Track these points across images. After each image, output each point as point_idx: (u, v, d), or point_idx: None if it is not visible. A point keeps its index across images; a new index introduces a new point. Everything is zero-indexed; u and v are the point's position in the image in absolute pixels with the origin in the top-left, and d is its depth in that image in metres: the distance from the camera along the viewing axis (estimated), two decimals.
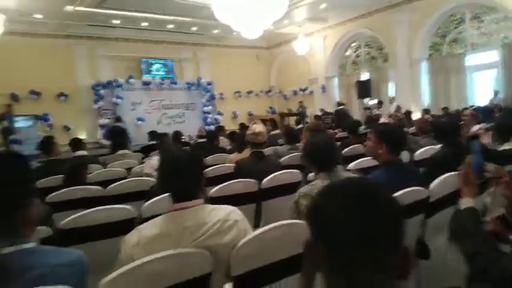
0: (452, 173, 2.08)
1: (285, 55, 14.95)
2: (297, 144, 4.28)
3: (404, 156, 3.31)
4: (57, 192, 2.79)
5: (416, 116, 8.82)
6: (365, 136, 4.78)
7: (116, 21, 11.01)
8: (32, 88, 10.79)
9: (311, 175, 2.33)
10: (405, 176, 1.99)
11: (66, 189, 2.83)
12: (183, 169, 1.42)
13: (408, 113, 8.45)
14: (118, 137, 6.01)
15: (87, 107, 11.70)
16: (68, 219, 1.99)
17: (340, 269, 0.67)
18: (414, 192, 1.87)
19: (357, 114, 12.39)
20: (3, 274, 1.00)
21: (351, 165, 3.10)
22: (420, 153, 3.58)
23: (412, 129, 5.32)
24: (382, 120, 5.96)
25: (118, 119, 11.32)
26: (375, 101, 11.78)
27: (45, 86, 10.92)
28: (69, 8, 9.52)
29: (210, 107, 13.43)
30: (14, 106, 10.19)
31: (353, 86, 12.95)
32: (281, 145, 4.63)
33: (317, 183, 1.88)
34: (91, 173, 3.66)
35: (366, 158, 3.25)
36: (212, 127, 12.68)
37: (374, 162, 3.09)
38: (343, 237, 0.65)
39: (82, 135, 10.50)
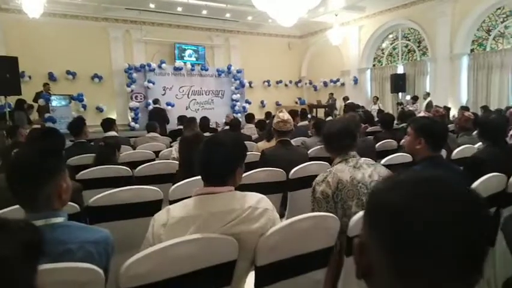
0: (496, 174, 2.00)
1: (318, 45, 14.74)
2: None
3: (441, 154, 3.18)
4: (88, 170, 2.85)
5: (452, 113, 8.47)
6: (398, 131, 4.73)
7: (152, 5, 11.17)
8: (68, 69, 11.20)
9: None
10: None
11: (96, 167, 2.89)
12: (219, 152, 1.40)
13: (446, 110, 8.09)
14: (154, 119, 6.04)
15: (120, 89, 11.99)
16: (97, 197, 2.01)
17: (417, 279, 0.54)
18: None
19: (390, 109, 12.04)
20: None
21: (384, 161, 3.01)
22: (458, 151, 3.43)
23: (449, 126, 5.10)
24: (420, 114, 5.74)
25: (155, 102, 11.43)
26: (408, 97, 11.40)
27: (80, 67, 11.28)
28: None
29: (238, 95, 13.44)
30: (50, 85, 10.46)
31: (387, 79, 12.58)
32: (310, 137, 4.57)
33: (332, 169, 1.88)
34: (121, 153, 3.72)
35: (400, 154, 3.21)
36: (239, 115, 12.70)
37: (408, 158, 3.05)
38: (440, 248, 0.52)
39: (113, 117, 10.67)
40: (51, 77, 10.94)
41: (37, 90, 9.98)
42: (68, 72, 11.24)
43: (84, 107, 11.29)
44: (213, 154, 1.40)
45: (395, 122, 5.38)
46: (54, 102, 10.38)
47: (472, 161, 2.44)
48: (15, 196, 1.10)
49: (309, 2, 6.64)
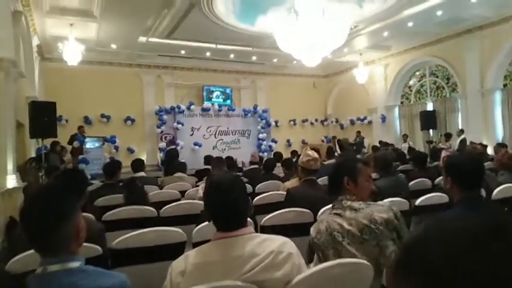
0: None
1: (343, 83, 14.84)
2: None
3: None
4: (114, 211, 2.87)
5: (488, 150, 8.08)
6: (431, 170, 4.50)
7: (183, 52, 11.63)
8: (102, 112, 11.76)
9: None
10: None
11: (121, 208, 2.91)
12: (229, 194, 1.35)
13: (483, 147, 7.74)
14: (175, 159, 6.16)
15: (150, 131, 12.41)
16: (120, 239, 2.00)
17: None
18: None
19: (420, 147, 11.68)
20: None
21: (419, 201, 2.85)
22: (499, 191, 3.18)
23: (488, 164, 4.83)
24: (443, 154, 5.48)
25: (171, 141, 11.79)
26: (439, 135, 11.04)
27: (114, 110, 11.88)
28: (142, 39, 10.37)
29: (264, 134, 13.61)
30: (85, 128, 10.89)
31: (416, 117, 12.33)
32: None
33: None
34: (147, 194, 3.78)
35: (436, 194, 3.04)
36: (265, 154, 12.75)
37: (445, 199, 2.91)
38: None
39: (143, 157, 10.78)
40: (86, 120, 11.48)
41: (73, 133, 10.39)
42: (102, 116, 11.74)
43: (116, 148, 11.68)
44: (229, 195, 1.35)
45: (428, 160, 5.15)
46: (88, 144, 10.65)
47: None
48: (31, 241, 1.08)
49: (333, 43, 6.74)
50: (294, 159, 6.19)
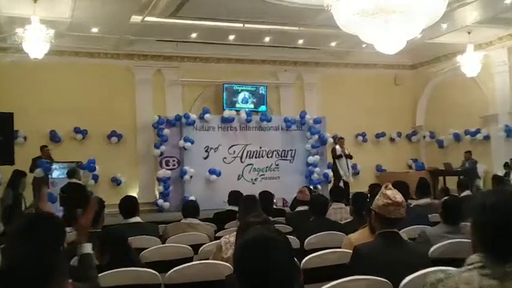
0: None
1: (442, 78, 14.69)
2: (463, 223, 4.03)
3: None
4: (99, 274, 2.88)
5: None
6: None
7: (194, 35, 12.03)
8: (76, 125, 12.03)
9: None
10: None
11: (109, 272, 2.97)
12: (265, 259, 1.44)
13: None
14: (186, 203, 6.22)
15: (145, 152, 12.67)
16: None
17: None
18: None
19: None
20: None
21: None
22: None
23: None
24: None
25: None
26: None
27: (94, 122, 12.10)
28: (136, 18, 10.61)
29: (317, 157, 13.39)
30: (52, 148, 11.20)
31: None
32: (434, 224, 4.40)
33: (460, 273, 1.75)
34: (144, 249, 3.89)
35: None
36: (319, 187, 12.46)
37: None
38: None
39: (134, 193, 11.07)
40: (53, 136, 11.77)
41: (35, 155, 10.54)
42: (76, 131, 12.05)
43: (95, 178, 11.73)
44: (265, 261, 1.43)
45: None
46: (56, 172, 10.72)
47: None
48: None
49: (424, 17, 6.65)
50: (368, 198, 6.08)
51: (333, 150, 12.67)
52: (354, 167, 14.14)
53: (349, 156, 12.55)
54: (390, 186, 3.24)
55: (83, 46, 12.04)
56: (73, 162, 11.30)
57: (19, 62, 10.76)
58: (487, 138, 13.61)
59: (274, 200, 7.51)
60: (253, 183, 12.49)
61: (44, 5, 9.09)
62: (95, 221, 3.92)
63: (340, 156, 12.44)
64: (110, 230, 3.97)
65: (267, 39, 12.40)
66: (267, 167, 13.21)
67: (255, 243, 1.48)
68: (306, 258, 3.48)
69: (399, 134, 15.37)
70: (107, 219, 4.87)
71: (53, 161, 10.82)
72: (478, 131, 13.80)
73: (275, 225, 3.59)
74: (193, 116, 12.57)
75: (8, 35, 10.34)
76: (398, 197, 3.09)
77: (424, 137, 15.37)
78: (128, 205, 5.12)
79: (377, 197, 3.19)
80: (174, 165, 12.45)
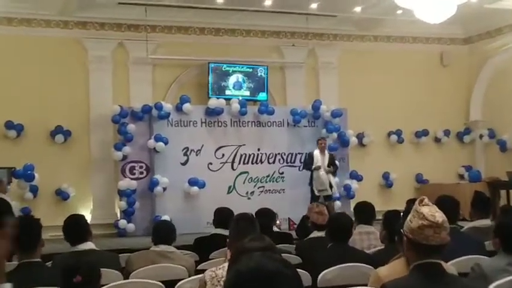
0: None
1: (505, 57, 14.30)
2: None
3: None
4: None
5: None
6: None
7: None
8: (9, 118, 11.53)
9: None
10: None
11: None
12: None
13: None
14: (158, 225, 6.44)
15: (101, 155, 12.26)
16: None
17: None
18: None
19: None
20: None
21: None
22: None
23: None
24: None
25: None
26: None
27: (32, 115, 11.74)
28: None
29: (336, 162, 12.49)
30: None
31: None
32: (490, 253, 4.63)
33: None
34: (103, 286, 3.99)
35: None
36: (339, 203, 12.51)
37: None
38: None
39: (87, 211, 11.50)
40: None
41: None
42: (8, 126, 11.53)
43: (33, 190, 11.45)
44: None
45: None
46: None
47: None
48: None
49: None
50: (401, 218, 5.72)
51: (308, 157, 12.00)
52: (386, 176, 14.15)
53: (331, 172, 11.86)
54: (426, 200, 3.24)
55: (17, 11, 11.63)
56: (3, 168, 11.08)
57: None
58: None
59: (278, 222, 7.94)
60: (249, 198, 12.48)
61: None
62: (23, 248, 4.21)
63: (318, 168, 11.66)
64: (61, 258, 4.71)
65: (268, 1, 11.90)
66: (267, 176, 13.11)
67: (253, 277, 1.41)
68: None
69: (447, 133, 15.05)
70: (51, 246, 5.58)
71: None
72: None
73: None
74: (168, 107, 12.20)
75: None
76: (438, 215, 3.09)
77: (481, 136, 15.01)
78: (75, 227, 5.24)
79: (409, 216, 3.21)
80: (142, 173, 12.37)
